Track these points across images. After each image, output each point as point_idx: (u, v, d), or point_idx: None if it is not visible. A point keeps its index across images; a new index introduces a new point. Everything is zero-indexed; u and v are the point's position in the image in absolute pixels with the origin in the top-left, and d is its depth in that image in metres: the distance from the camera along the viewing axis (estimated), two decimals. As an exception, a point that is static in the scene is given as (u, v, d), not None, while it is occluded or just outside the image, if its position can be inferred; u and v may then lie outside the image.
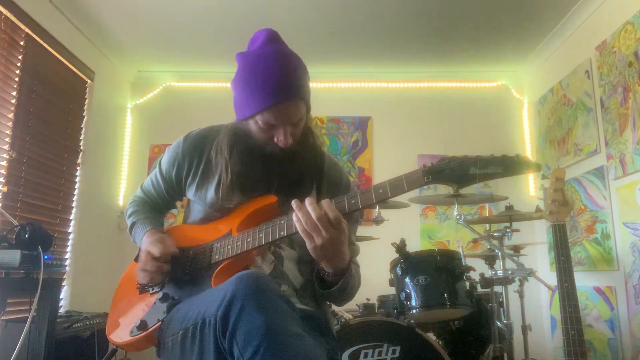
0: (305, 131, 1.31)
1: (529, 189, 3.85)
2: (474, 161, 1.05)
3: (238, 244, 1.22)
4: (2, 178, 2.59)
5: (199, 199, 1.37)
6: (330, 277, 1.22)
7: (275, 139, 1.23)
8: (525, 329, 2.56)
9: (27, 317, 1.93)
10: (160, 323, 1.18)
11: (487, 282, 2.46)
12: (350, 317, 2.30)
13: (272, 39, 1.25)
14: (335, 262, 1.17)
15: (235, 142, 1.30)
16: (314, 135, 1.35)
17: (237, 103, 1.27)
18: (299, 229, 1.10)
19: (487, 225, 2.83)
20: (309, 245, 1.11)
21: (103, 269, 3.46)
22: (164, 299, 1.24)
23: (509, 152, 1.06)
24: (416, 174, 1.08)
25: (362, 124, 4.03)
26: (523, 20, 3.32)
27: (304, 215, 1.09)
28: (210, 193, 1.32)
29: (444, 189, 3.02)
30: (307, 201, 1.10)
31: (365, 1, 3.10)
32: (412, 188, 1.08)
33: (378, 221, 2.59)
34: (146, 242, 1.32)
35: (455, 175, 1.06)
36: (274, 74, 1.18)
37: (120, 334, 1.28)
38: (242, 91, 1.24)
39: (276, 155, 1.26)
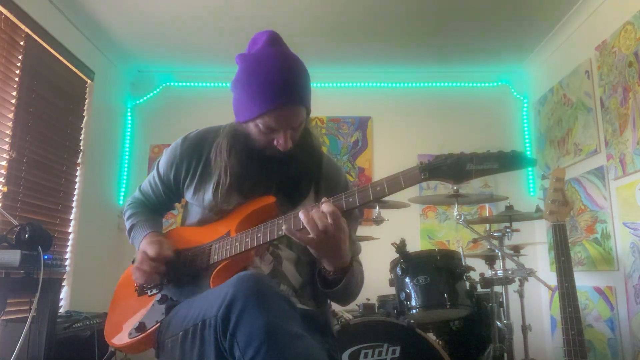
0: (304, 132, 1.30)
1: (529, 189, 3.85)
2: (470, 157, 1.05)
3: (236, 244, 1.21)
4: (2, 178, 2.58)
5: (197, 201, 1.36)
6: (332, 275, 1.22)
7: (275, 143, 1.22)
8: (525, 329, 2.56)
9: (27, 317, 1.94)
10: (158, 324, 1.18)
11: (487, 282, 2.46)
12: (350, 317, 2.30)
13: (274, 41, 1.24)
14: (336, 260, 1.17)
15: (234, 143, 1.29)
16: (312, 136, 1.34)
17: (238, 105, 1.26)
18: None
19: (487, 225, 2.83)
20: (308, 244, 1.11)
21: (103, 269, 3.46)
22: (162, 300, 1.24)
23: (506, 149, 1.07)
24: (413, 170, 1.08)
25: (362, 124, 4.03)
26: (523, 20, 3.31)
27: (303, 213, 1.10)
28: (208, 195, 1.32)
29: (444, 189, 3.03)
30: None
31: (364, 1, 3.10)
32: (409, 185, 1.08)
33: (378, 221, 2.60)
34: (144, 244, 1.32)
35: (452, 171, 1.06)
36: (276, 78, 1.17)
37: (119, 335, 1.27)
38: (243, 94, 1.23)
39: (275, 157, 1.26)
